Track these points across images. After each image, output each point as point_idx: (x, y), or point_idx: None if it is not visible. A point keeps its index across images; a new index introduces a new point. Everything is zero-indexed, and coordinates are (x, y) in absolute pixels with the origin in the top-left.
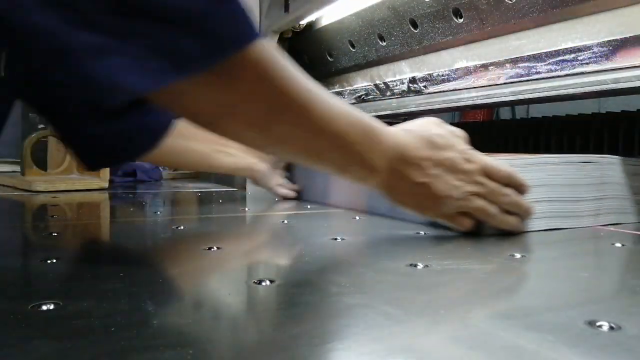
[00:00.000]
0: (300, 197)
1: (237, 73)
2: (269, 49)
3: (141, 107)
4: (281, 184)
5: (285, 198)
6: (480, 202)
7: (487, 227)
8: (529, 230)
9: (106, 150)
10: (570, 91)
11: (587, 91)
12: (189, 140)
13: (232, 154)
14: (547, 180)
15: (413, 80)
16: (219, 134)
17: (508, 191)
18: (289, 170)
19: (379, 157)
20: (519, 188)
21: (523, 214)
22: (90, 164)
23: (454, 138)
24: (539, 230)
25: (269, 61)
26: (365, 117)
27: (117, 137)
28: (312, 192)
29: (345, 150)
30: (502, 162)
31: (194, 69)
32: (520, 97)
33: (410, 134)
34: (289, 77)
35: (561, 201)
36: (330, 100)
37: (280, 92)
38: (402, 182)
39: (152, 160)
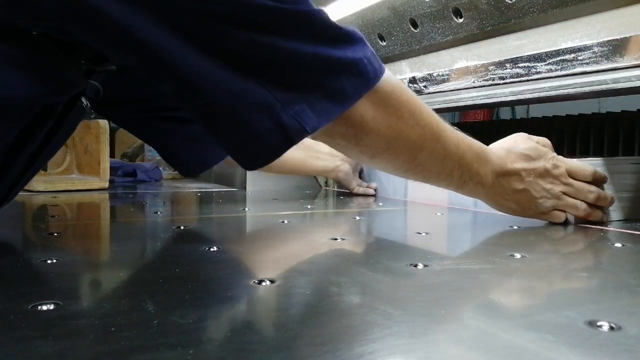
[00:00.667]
0: (376, 195)
1: (386, 102)
2: (400, 83)
3: None
4: (360, 184)
5: (365, 195)
6: (570, 200)
7: (577, 219)
8: (612, 220)
9: (192, 158)
10: (571, 91)
11: (587, 91)
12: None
13: (322, 159)
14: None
15: (413, 80)
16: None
17: (593, 188)
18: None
19: (488, 173)
20: (602, 182)
21: (607, 205)
22: (181, 171)
23: (541, 149)
24: (619, 220)
25: (406, 92)
26: (473, 140)
27: (200, 146)
28: (387, 190)
29: (466, 169)
30: (584, 163)
31: (351, 101)
32: (520, 97)
33: (506, 151)
34: (423, 105)
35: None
36: (450, 127)
37: (422, 118)
38: (504, 191)
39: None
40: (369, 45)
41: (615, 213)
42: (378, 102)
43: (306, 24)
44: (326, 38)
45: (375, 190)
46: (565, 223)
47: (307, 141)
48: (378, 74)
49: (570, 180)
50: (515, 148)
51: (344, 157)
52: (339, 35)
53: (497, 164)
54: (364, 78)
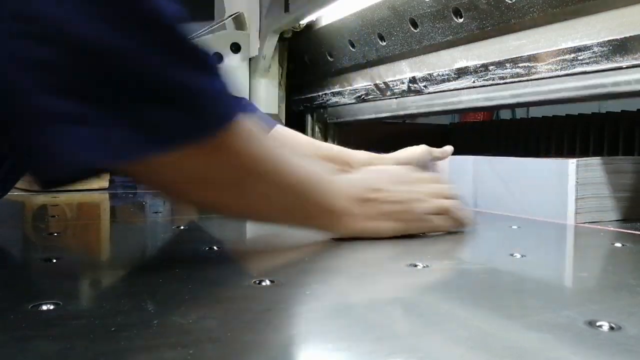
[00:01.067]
0: None
1: (218, 146)
2: (247, 124)
3: None
4: None
5: None
6: (442, 200)
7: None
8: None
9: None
10: (572, 94)
11: (586, 94)
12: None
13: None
14: None
15: (413, 80)
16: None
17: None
18: None
19: (337, 197)
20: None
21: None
22: (45, 187)
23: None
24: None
25: (244, 135)
26: (318, 167)
27: None
28: None
29: (307, 198)
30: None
31: (176, 144)
32: (520, 100)
33: (356, 174)
34: (262, 148)
35: None
36: (292, 159)
37: (252, 163)
38: (368, 208)
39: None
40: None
41: (614, 213)
42: (216, 148)
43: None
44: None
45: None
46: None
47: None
48: (220, 121)
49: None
50: (366, 172)
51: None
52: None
53: (348, 184)
54: (201, 124)
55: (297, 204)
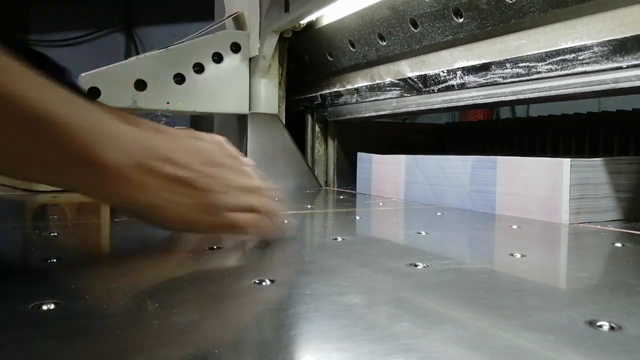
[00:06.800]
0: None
1: None
2: None
3: None
4: None
5: None
6: (252, 198)
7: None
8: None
9: None
10: (571, 91)
11: (587, 91)
12: None
13: None
14: None
15: (413, 80)
16: None
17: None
18: None
19: (110, 150)
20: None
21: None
22: None
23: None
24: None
25: None
26: (88, 107)
27: None
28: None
29: (61, 139)
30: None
31: None
32: (520, 96)
33: (148, 131)
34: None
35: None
36: (44, 82)
37: None
38: (152, 180)
39: None
40: None
41: (614, 213)
42: None
43: None
44: None
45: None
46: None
47: None
48: None
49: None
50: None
51: None
52: None
53: (134, 141)
54: None
55: (43, 145)
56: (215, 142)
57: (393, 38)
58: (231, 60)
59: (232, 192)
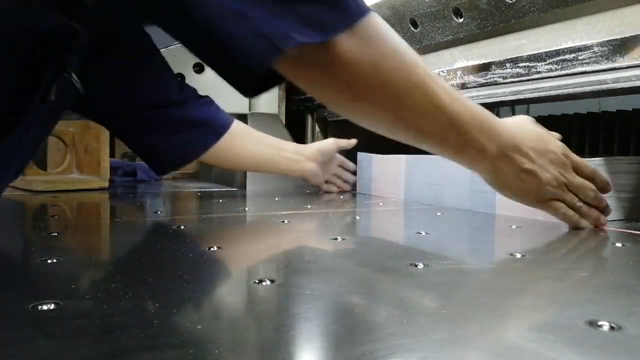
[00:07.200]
0: (353, 190)
1: (368, 39)
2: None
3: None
4: (330, 182)
5: (341, 191)
6: (570, 194)
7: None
8: (613, 220)
9: (170, 155)
10: (571, 91)
11: (587, 91)
12: (255, 145)
13: (287, 157)
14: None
15: None
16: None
17: (594, 187)
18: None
19: (491, 142)
20: (602, 186)
21: (603, 209)
22: (157, 170)
23: (552, 134)
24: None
25: (384, 29)
26: (477, 105)
27: (179, 144)
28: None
29: (462, 132)
30: (586, 161)
31: (333, 32)
32: (521, 96)
33: (516, 125)
34: (407, 51)
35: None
36: (445, 84)
37: (405, 65)
38: (509, 168)
39: (217, 163)
40: None
41: (615, 213)
42: (360, 37)
43: None
44: None
45: (353, 184)
46: (562, 225)
47: (272, 140)
48: (360, 11)
49: (574, 174)
50: (526, 126)
51: (310, 155)
52: None
53: (505, 136)
54: (345, 13)
55: (451, 131)
56: (559, 144)
57: None
58: None
59: (560, 188)
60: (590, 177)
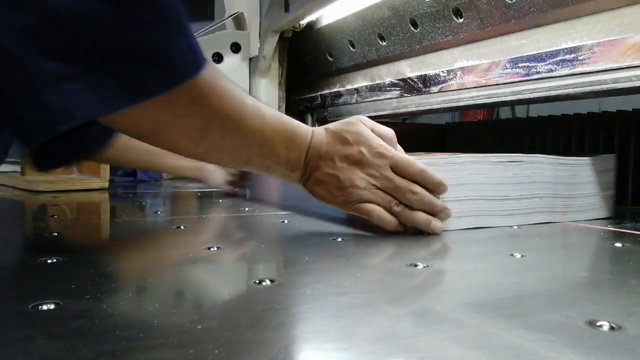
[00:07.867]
0: (246, 196)
1: (181, 95)
2: (212, 73)
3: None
4: (227, 181)
5: (231, 195)
6: (383, 195)
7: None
8: (450, 229)
9: (59, 156)
10: (571, 91)
11: (587, 91)
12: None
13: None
14: (468, 179)
15: (413, 80)
16: (158, 146)
17: (418, 189)
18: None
19: (299, 156)
20: (434, 187)
21: (437, 213)
22: (41, 168)
23: (368, 136)
24: (466, 229)
25: (210, 83)
26: (290, 122)
27: (70, 145)
28: (259, 190)
29: (271, 154)
30: (415, 158)
31: (150, 95)
32: (521, 96)
33: (326, 132)
34: (226, 96)
35: (487, 200)
36: (260, 112)
37: (216, 109)
38: (315, 173)
39: (102, 160)
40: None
41: (601, 211)
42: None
43: None
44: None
45: (246, 190)
46: (382, 228)
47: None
48: (192, 70)
49: (391, 175)
50: (336, 130)
51: None
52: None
53: (311, 146)
54: (173, 73)
55: (260, 156)
56: (375, 143)
57: (393, 38)
58: (231, 60)
59: (368, 190)
60: (416, 178)
